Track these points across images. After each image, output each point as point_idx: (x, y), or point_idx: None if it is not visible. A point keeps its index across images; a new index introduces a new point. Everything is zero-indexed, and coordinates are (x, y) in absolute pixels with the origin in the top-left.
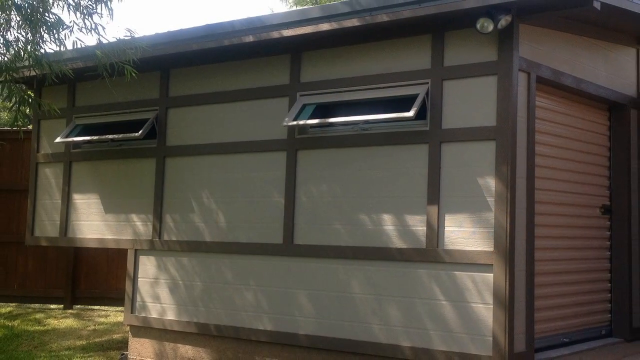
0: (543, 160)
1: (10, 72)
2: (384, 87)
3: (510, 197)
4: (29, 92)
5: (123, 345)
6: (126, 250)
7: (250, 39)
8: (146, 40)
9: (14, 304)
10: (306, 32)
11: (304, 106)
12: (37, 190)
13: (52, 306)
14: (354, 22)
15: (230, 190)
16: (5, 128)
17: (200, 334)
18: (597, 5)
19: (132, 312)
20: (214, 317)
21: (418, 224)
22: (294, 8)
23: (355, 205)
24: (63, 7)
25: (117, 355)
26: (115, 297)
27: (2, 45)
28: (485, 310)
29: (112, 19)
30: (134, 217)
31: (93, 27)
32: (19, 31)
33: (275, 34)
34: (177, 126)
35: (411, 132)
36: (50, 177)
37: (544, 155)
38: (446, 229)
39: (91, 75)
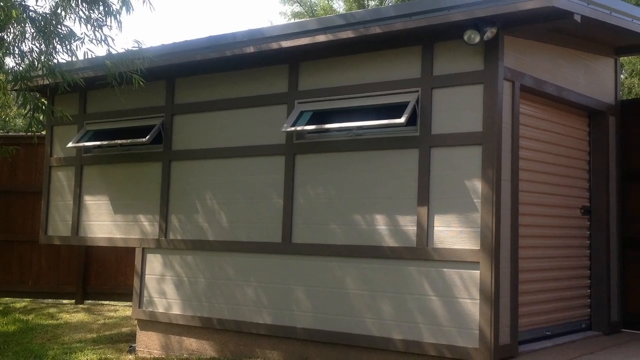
0: (527, 164)
1: (25, 81)
2: (377, 95)
3: (496, 198)
4: (43, 100)
5: (131, 338)
6: (134, 248)
7: (251, 49)
8: (153, 51)
9: (28, 299)
10: (303, 43)
11: (301, 113)
12: (50, 192)
13: (65, 301)
14: (348, 34)
15: (232, 192)
16: (21, 134)
17: (204, 328)
18: (577, 18)
19: (139, 307)
20: (216, 312)
21: (409, 224)
22: (292, 21)
23: (350, 206)
24: (75, 19)
25: (125, 347)
26: (123, 292)
27: (17, 56)
28: (472, 305)
29: (121, 31)
30: (142, 217)
31: (103, 38)
32: (33, 42)
33: (274, 45)
34: (182, 132)
35: (402, 138)
36: (62, 179)
37: (528, 159)
38: (435, 228)
39: (101, 83)
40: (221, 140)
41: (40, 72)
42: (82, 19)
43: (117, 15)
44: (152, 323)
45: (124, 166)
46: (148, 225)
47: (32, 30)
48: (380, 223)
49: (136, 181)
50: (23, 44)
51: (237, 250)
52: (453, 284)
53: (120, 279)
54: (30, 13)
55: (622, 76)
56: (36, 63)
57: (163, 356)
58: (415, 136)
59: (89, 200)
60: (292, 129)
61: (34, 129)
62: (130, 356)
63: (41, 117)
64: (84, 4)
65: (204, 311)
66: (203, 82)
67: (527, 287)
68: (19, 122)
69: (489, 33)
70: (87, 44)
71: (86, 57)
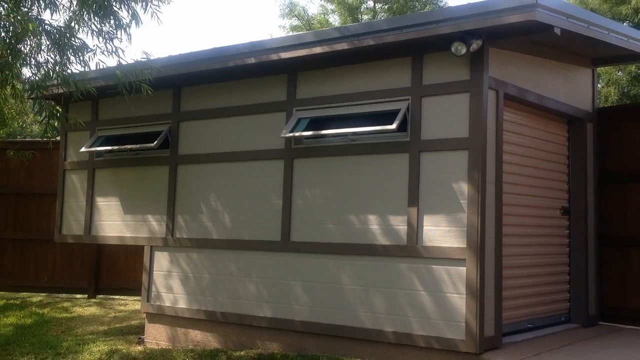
0: (510, 167)
1: (41, 90)
2: (369, 103)
3: (481, 199)
4: (57, 108)
5: (140, 330)
6: (143, 246)
7: (252, 60)
8: (160, 61)
9: (44, 294)
10: (301, 54)
11: (299, 120)
12: (64, 194)
13: (78, 296)
14: (343, 46)
15: (234, 193)
16: (37, 139)
17: (208, 321)
18: (557, 31)
19: (148, 301)
20: (220, 306)
21: (400, 224)
22: (291, 33)
23: (344, 207)
24: (87, 32)
25: (135, 339)
26: (133, 288)
27: (33, 66)
28: (459, 300)
29: (131, 42)
30: (150, 217)
31: (114, 50)
32: (48, 54)
33: (274, 56)
34: (187, 137)
35: (394, 143)
36: (76, 182)
37: (511, 163)
38: (425, 227)
39: (112, 92)
40: (224, 146)
41: (55, 82)
42: (94, 32)
43: (127, 29)
44: (159, 316)
45: (133, 169)
46: (156, 224)
47: (48, 42)
48: (373, 223)
49: (145, 183)
50: (39, 55)
51: (239, 248)
52: (441, 280)
53: (130, 275)
54: (46, 26)
55: (599, 85)
56: (51, 73)
57: (170, 347)
58: (406, 141)
59: (101, 202)
60: (291, 134)
61: (49, 134)
62: (139, 347)
63: (56, 124)
64: (96, 18)
65: (209, 305)
66: (207, 91)
67: (510, 283)
68: (35, 128)
69: (475, 45)
70: (99, 55)
71: (98, 67)
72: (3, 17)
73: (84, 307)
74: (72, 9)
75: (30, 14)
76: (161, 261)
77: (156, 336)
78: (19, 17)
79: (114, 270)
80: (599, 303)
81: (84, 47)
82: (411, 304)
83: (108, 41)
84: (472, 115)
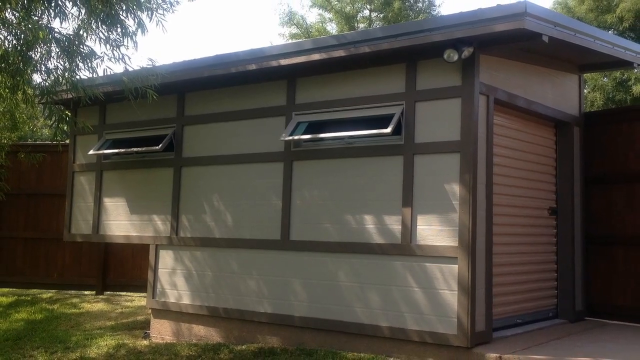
0: (500, 169)
1: (51, 95)
2: (365, 108)
3: (472, 200)
4: (67, 112)
5: (146, 325)
6: (148, 245)
7: (253, 67)
8: (165, 68)
9: (53, 290)
10: (300, 61)
11: (298, 124)
12: (73, 195)
13: (86, 292)
14: (340, 53)
15: (236, 194)
16: (47, 142)
17: (211, 316)
18: (545, 38)
19: (153, 298)
20: (222, 302)
21: (394, 223)
22: (290, 41)
23: (341, 207)
24: (95, 40)
25: (140, 333)
26: (139, 284)
27: (43, 73)
28: (451, 296)
29: (137, 50)
30: (155, 217)
31: (120, 57)
32: (58, 61)
33: (274, 63)
34: (191, 141)
35: (389, 146)
36: (84, 183)
37: (501, 165)
38: (418, 227)
39: (119, 97)
40: (226, 148)
41: (64, 87)
42: (102, 40)
43: (133, 36)
44: (164, 312)
45: (139, 171)
46: (161, 224)
47: (57, 50)
48: (369, 222)
49: (150, 185)
50: (49, 62)
51: (240, 246)
52: (434, 277)
53: (136, 272)
54: (55, 34)
55: (585, 91)
56: (61, 79)
57: (174, 342)
58: (400, 144)
59: (108, 202)
60: (290, 138)
61: (58, 138)
62: (144, 342)
63: (65, 128)
64: (103, 26)
65: (211, 301)
66: (210, 96)
67: (500, 280)
68: (45, 132)
69: (466, 52)
70: (106, 62)
71: (105, 73)
72: (14, 25)
73: (92, 303)
74: (80, 17)
75: (40, 22)
76: (166, 259)
77: (161, 331)
78: (29, 26)
79: (120, 268)
80: (586, 299)
81: (92, 54)
82: (405, 300)
83: (115, 48)
84: (463, 120)
